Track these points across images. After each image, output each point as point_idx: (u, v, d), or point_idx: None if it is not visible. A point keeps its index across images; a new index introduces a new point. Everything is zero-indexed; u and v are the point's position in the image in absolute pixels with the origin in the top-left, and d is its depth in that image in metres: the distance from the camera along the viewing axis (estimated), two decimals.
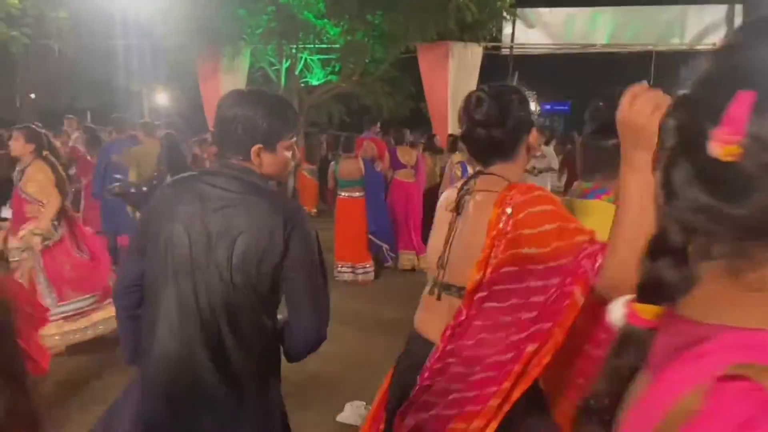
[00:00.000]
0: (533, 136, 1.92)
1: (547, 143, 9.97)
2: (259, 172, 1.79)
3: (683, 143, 0.65)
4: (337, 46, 11.13)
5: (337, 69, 12.04)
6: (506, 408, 1.58)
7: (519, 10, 12.46)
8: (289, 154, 1.83)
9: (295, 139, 1.85)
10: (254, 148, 1.76)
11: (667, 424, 0.58)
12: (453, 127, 10.80)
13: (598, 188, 1.96)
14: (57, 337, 4.35)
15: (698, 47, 12.62)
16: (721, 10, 12.59)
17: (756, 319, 0.60)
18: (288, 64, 11.68)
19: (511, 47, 13.12)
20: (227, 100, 1.81)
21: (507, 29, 13.05)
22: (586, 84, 26.82)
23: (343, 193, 7.00)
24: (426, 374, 1.76)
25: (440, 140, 9.26)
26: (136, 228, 1.93)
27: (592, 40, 12.92)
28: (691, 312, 0.64)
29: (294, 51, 11.31)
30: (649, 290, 0.68)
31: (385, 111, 13.65)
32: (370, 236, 7.14)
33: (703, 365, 0.58)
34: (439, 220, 1.95)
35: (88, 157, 7.68)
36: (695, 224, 0.63)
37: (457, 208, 1.86)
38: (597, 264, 1.44)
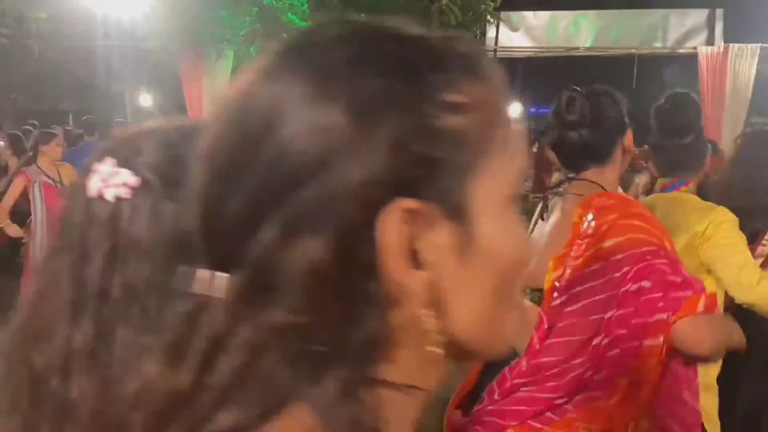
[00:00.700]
0: (629, 139, 1.83)
1: None
2: None
3: None
4: None
5: None
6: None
7: (503, 13, 12.51)
8: None
9: None
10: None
11: None
12: None
13: (677, 181, 2.14)
14: None
15: (680, 51, 12.76)
16: (702, 14, 12.74)
17: None
18: None
19: (495, 50, 13.16)
20: None
21: (491, 32, 13.10)
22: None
23: None
24: (506, 385, 1.61)
25: None
26: None
27: (575, 43, 13.00)
28: None
29: None
30: None
31: None
32: None
33: None
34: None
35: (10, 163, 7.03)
36: None
37: (542, 212, 1.80)
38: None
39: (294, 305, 0.43)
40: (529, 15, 13.20)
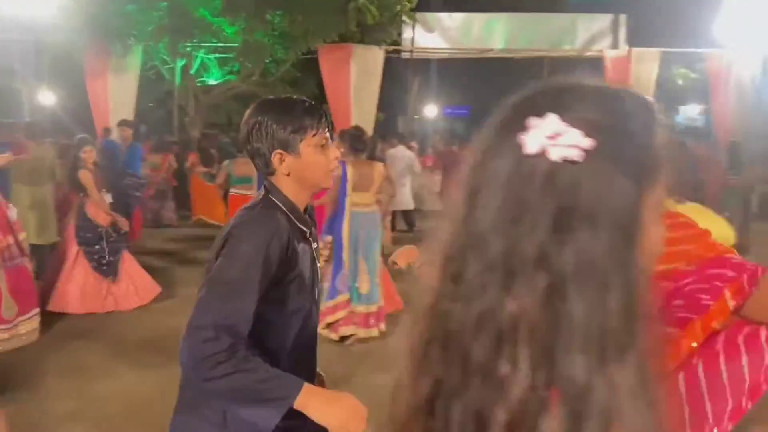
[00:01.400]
0: None
1: (394, 145, 10.10)
2: (292, 185, 1.68)
3: None
4: (235, 45, 10.81)
5: (235, 69, 11.71)
6: None
7: (418, 14, 12.60)
8: (321, 154, 1.69)
9: (324, 134, 1.69)
10: (275, 157, 1.66)
11: None
12: None
13: None
14: None
15: (587, 53, 13.25)
16: (607, 19, 13.30)
17: None
18: (183, 62, 11.22)
19: (412, 51, 13.24)
20: (243, 120, 1.73)
21: (408, 33, 13.16)
22: (484, 88, 27.64)
23: (234, 190, 7.25)
24: None
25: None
26: None
27: (488, 45, 13.25)
28: None
29: (189, 49, 10.88)
30: None
31: None
32: None
33: None
34: None
35: None
36: None
37: None
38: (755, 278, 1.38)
39: None
40: (444, 16, 13.36)
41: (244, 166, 7.16)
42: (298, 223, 1.69)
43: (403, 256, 2.14)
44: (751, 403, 1.39)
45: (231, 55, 11.39)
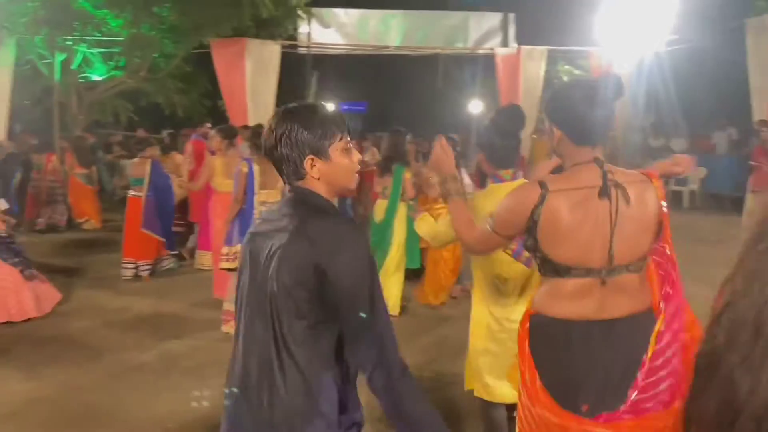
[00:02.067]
0: None
1: None
2: (323, 189, 1.74)
3: None
4: (121, 39, 10.25)
5: (121, 64, 11.12)
6: None
7: (314, 10, 12.49)
8: (347, 157, 1.76)
9: (348, 139, 1.76)
10: (306, 163, 1.71)
11: None
12: (253, 125, 10.50)
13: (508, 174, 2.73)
14: None
15: (479, 51, 13.64)
16: (497, 17, 13.77)
17: None
18: (64, 57, 10.52)
19: (309, 46, 13.11)
20: (266, 129, 1.78)
21: (304, 28, 13.02)
22: (381, 84, 27.89)
23: (132, 192, 7.16)
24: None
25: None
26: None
27: (385, 41, 13.35)
28: None
29: (69, 43, 10.21)
30: None
31: (180, 109, 12.90)
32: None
33: None
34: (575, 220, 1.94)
35: None
36: None
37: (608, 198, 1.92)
38: None
39: None
40: (340, 12, 13.32)
41: (139, 168, 7.09)
42: None
43: None
44: None
45: (116, 50, 10.80)
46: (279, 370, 1.62)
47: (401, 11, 13.56)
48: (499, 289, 2.68)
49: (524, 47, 12.69)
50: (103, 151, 13.11)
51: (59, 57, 10.50)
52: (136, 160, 7.35)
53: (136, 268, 7.07)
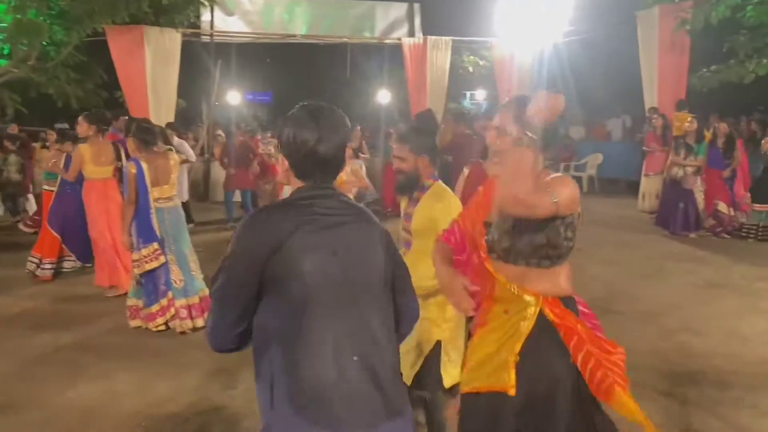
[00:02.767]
0: None
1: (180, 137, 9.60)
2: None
3: None
4: (4, 25, 9.52)
5: (6, 52, 10.33)
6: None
7: None
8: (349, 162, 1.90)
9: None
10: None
11: None
12: (155, 117, 10.08)
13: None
14: None
15: (386, 41, 13.69)
16: (402, 7, 13.87)
17: None
18: None
19: (212, 34, 12.71)
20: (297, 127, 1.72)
21: (206, 16, 12.61)
22: (287, 73, 27.48)
23: (45, 186, 6.97)
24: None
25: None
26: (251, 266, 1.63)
27: (290, 30, 13.15)
28: None
29: None
30: None
31: (74, 101, 12.17)
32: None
33: None
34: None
35: None
36: None
37: None
38: None
39: None
40: (244, 0, 13.01)
41: (54, 162, 6.75)
42: None
43: None
44: None
45: (0, 36, 10.02)
46: (387, 344, 1.72)
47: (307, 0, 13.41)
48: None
49: (430, 37, 12.85)
50: None
51: None
52: (50, 153, 7.01)
53: (38, 265, 6.60)
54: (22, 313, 5.52)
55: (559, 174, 2.10)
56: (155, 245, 4.85)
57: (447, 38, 12.91)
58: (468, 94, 21.36)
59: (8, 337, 4.87)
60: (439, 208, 2.74)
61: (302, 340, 1.61)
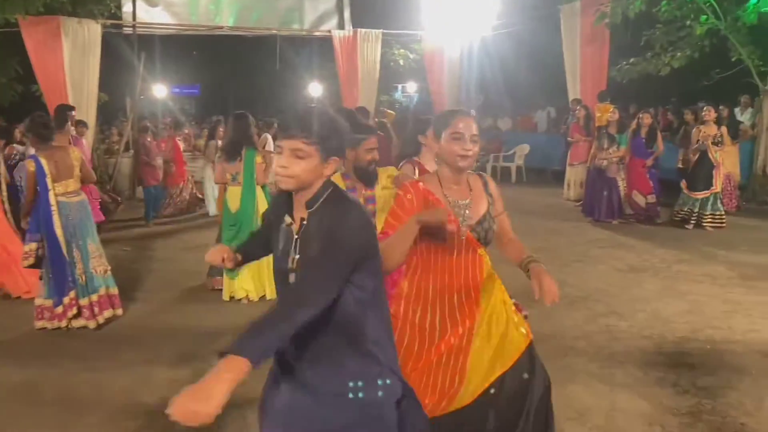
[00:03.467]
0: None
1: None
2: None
3: None
4: None
5: None
6: None
7: None
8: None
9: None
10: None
11: None
12: (76, 111, 9.66)
13: None
14: None
15: (316, 33, 13.57)
16: (332, 0, 13.76)
17: None
18: None
19: (134, 26, 12.26)
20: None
21: (128, 7, 12.14)
22: (215, 66, 26.86)
23: None
24: None
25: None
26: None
27: (217, 22, 12.84)
28: None
29: None
30: None
31: None
32: None
33: None
34: None
35: None
36: None
37: None
38: None
39: None
40: None
41: None
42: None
43: (215, 254, 2.13)
44: None
45: None
46: None
47: None
48: None
49: (360, 30, 12.82)
50: None
51: None
52: None
53: None
54: None
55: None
56: (34, 245, 4.70)
57: (377, 31, 12.92)
58: (399, 86, 21.49)
59: None
60: None
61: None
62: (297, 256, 1.76)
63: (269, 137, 9.43)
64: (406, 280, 2.38)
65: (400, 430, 1.79)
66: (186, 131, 13.17)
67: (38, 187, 4.64)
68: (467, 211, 2.33)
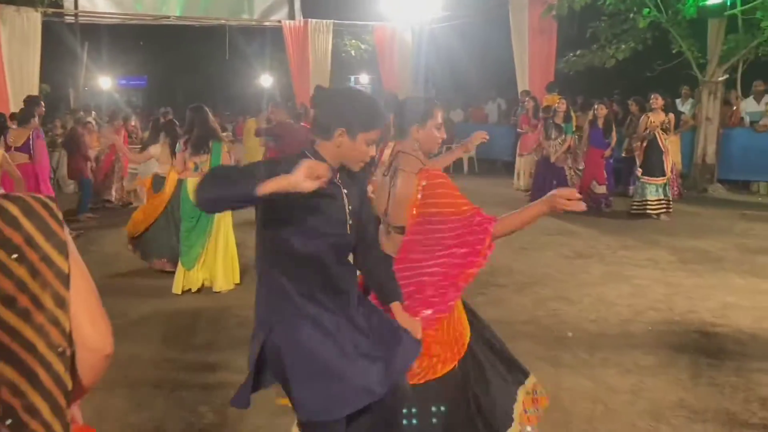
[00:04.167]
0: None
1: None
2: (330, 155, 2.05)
3: None
4: None
5: None
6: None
7: None
8: (369, 148, 2.08)
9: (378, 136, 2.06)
10: (337, 131, 2.01)
11: None
12: (16, 104, 9.37)
13: None
14: None
15: (266, 23, 13.44)
16: None
17: None
18: None
19: (76, 15, 11.91)
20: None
21: None
22: (162, 57, 26.24)
23: None
24: None
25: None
26: None
27: (163, 11, 12.58)
28: None
29: None
30: None
31: None
32: None
33: None
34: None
35: None
36: None
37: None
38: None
39: None
40: None
41: None
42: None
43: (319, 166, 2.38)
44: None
45: None
46: None
47: None
48: None
49: (311, 20, 12.76)
50: None
51: None
52: None
53: None
54: None
55: None
56: None
57: (328, 21, 12.88)
58: (352, 78, 21.45)
59: None
60: None
61: None
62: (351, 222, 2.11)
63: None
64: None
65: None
66: (132, 123, 12.87)
67: None
68: None
